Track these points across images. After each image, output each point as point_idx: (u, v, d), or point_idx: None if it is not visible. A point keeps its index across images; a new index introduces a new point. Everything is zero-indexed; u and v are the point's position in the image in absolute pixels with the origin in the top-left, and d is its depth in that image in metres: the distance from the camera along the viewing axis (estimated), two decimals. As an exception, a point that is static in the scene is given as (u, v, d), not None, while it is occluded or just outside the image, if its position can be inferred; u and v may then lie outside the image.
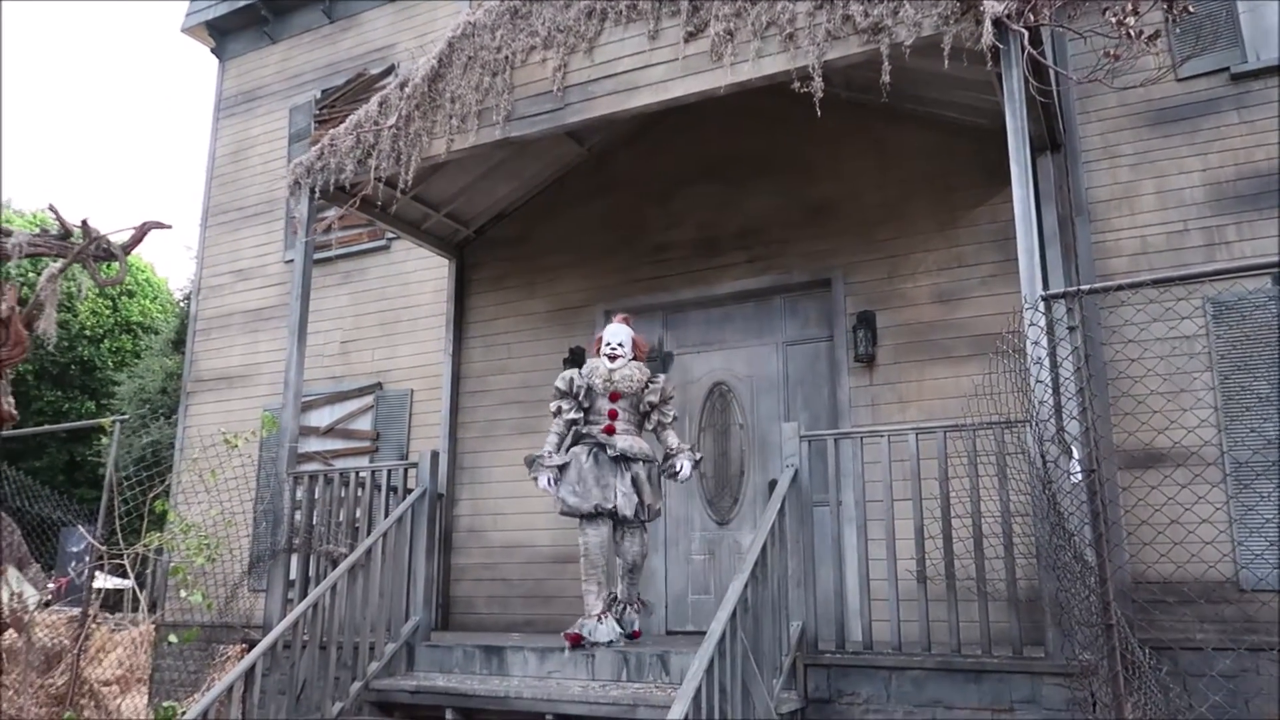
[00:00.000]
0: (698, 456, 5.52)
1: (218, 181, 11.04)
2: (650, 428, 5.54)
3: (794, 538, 4.74)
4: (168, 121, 60.26)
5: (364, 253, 9.58)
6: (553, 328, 7.42)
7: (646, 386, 5.48)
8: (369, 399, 9.21)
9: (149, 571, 9.86)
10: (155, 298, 24.16)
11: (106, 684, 8.58)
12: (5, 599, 6.44)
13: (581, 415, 5.49)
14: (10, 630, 7.44)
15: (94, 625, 8.97)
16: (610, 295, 7.29)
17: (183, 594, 5.54)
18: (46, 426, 10.08)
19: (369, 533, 5.98)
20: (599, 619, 5.18)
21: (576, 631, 5.18)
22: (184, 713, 5.49)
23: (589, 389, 5.47)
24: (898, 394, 6.09)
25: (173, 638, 5.76)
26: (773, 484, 6.21)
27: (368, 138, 6.32)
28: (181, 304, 19.66)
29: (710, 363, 6.83)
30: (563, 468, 5.42)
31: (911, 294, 6.26)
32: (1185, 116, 6.44)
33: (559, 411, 5.53)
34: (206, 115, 11.81)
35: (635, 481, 5.30)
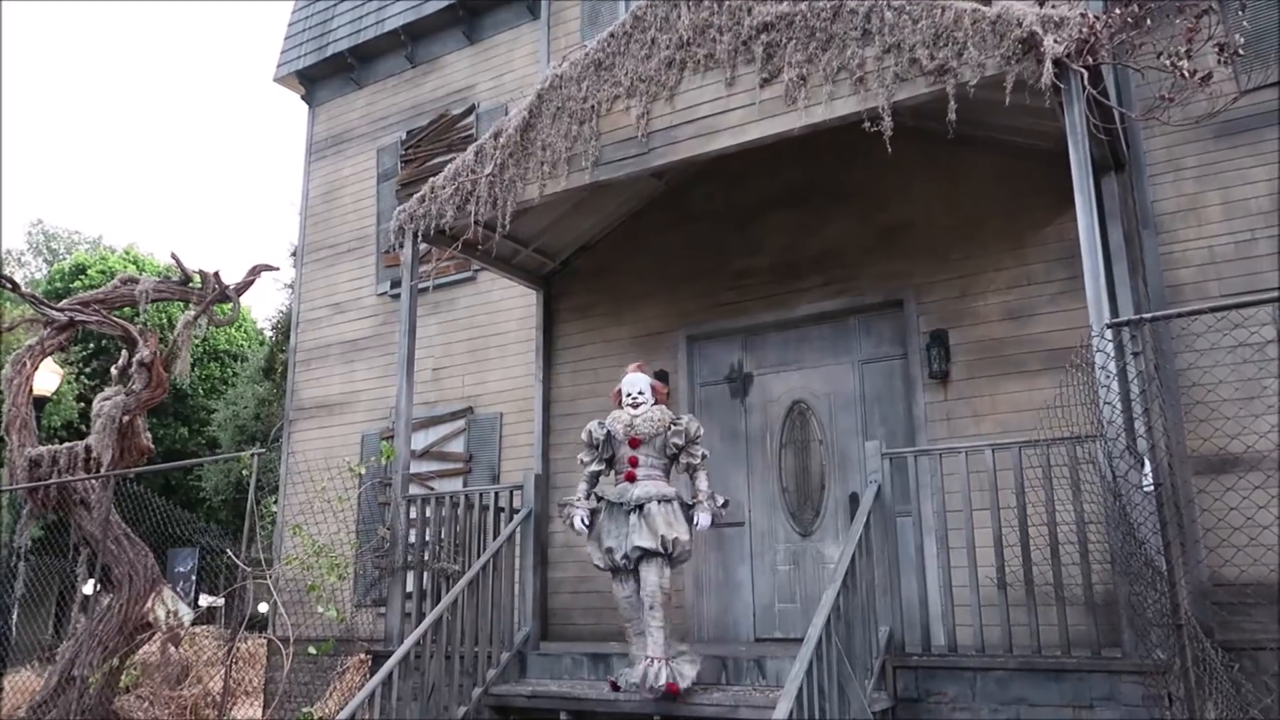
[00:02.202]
0: (720, 503, 5.48)
1: (311, 220, 11.75)
2: (681, 471, 5.61)
3: (879, 548, 5.09)
4: (258, 165, 62.89)
5: (452, 284, 10.16)
6: (637, 352, 7.84)
7: (670, 428, 5.48)
8: (461, 423, 9.77)
9: (255, 589, 10.53)
10: (240, 326, 25.27)
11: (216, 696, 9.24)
12: (163, 616, 7.09)
13: (604, 466, 5.60)
14: (150, 645, 8.13)
15: (207, 640, 9.66)
16: (691, 320, 7.70)
17: (320, 609, 6.08)
18: (189, 461, 10.81)
19: (478, 551, 6.48)
20: (633, 667, 5.27)
21: (613, 678, 5.39)
22: (318, 717, 6.04)
23: (609, 437, 5.56)
24: (972, 408, 6.38)
25: (312, 649, 6.30)
26: (853, 497, 6.57)
27: (466, 185, 6.84)
28: (270, 334, 20.62)
29: (789, 382, 7.20)
30: (594, 513, 5.54)
31: (983, 312, 6.54)
32: (1250, 128, 6.63)
33: (583, 464, 5.68)
34: (296, 158, 12.56)
35: (648, 516, 5.28)
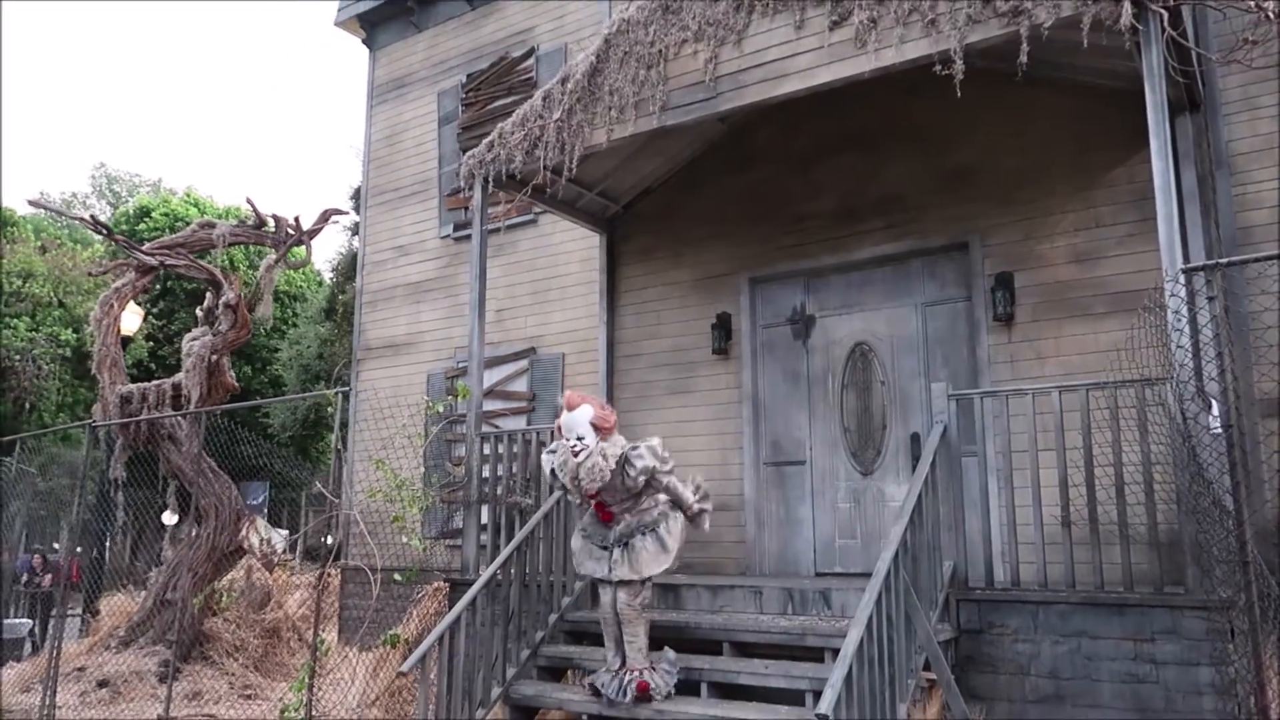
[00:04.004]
0: (702, 494, 5.31)
1: (374, 165, 11.94)
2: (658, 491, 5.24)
3: (944, 487, 5.23)
4: (319, 109, 63.53)
5: (514, 227, 10.32)
6: (700, 295, 7.98)
7: (624, 472, 5.03)
8: (524, 363, 10.01)
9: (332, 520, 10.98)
10: (295, 266, 25.78)
11: (300, 620, 9.76)
12: (257, 544, 7.51)
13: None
14: (235, 571, 8.61)
15: (292, 568, 10.15)
16: (752, 263, 7.80)
17: (403, 539, 6.40)
18: (273, 399, 11.24)
19: (551, 486, 6.74)
20: (614, 673, 5.16)
21: (592, 681, 5.29)
22: (404, 638, 6.41)
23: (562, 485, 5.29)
24: (1036, 351, 6.44)
25: (397, 576, 6.66)
26: (914, 437, 6.70)
27: (534, 130, 6.96)
28: (330, 276, 21.05)
29: (851, 324, 7.29)
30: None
31: (1049, 255, 6.56)
32: (1328, 65, 6.47)
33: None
34: (358, 102, 12.73)
35: (632, 551, 5.11)
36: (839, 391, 7.22)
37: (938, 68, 5.37)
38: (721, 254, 7.98)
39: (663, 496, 5.21)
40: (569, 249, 9.92)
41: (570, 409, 5.08)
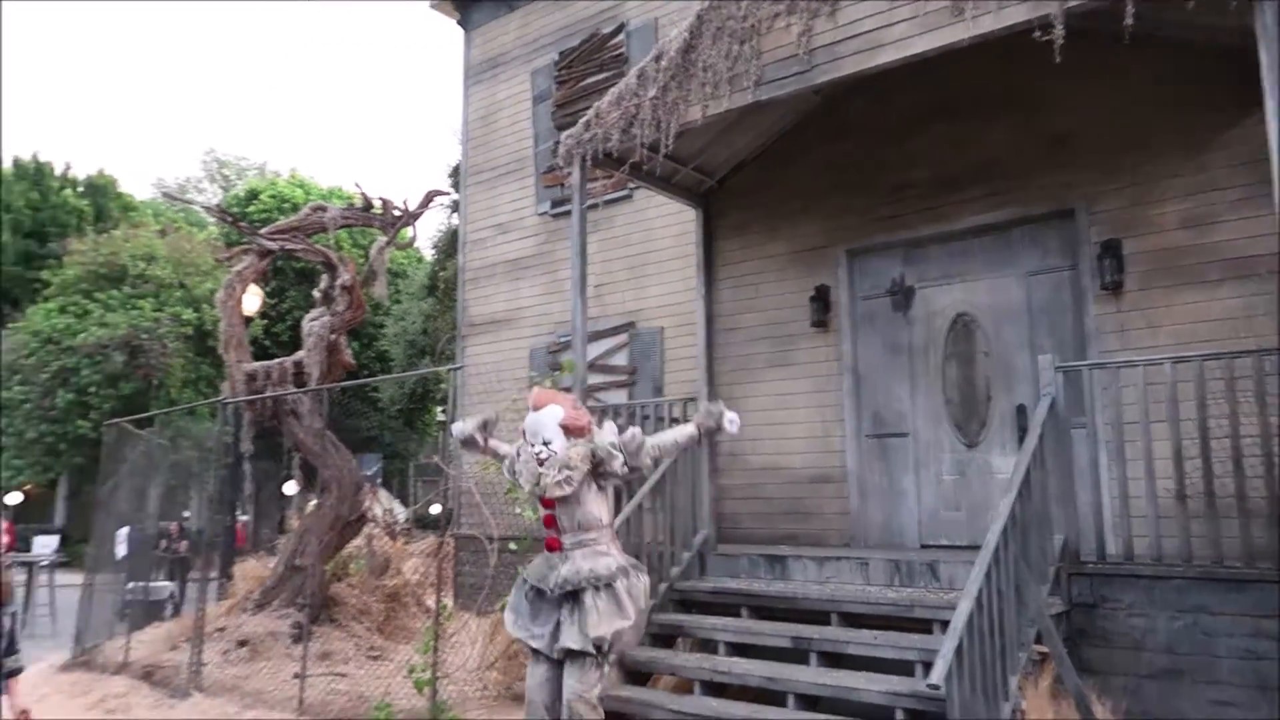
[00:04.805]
0: (717, 417, 4.56)
1: (472, 144, 12.24)
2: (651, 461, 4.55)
3: (1052, 459, 5.22)
4: (415, 89, 65.16)
5: (609, 203, 10.48)
6: (796, 268, 8.03)
7: (596, 464, 4.32)
8: (623, 337, 10.22)
9: (443, 491, 11.44)
10: (401, 246, 26.60)
11: (415, 587, 10.24)
12: (379, 514, 7.95)
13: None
14: (363, 540, 9.10)
15: (406, 537, 10.63)
16: (849, 235, 7.79)
17: (517, 510, 6.70)
18: (387, 376, 11.76)
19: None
20: None
21: None
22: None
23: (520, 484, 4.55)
24: (1147, 319, 6.31)
25: (512, 545, 6.97)
26: (1020, 409, 6.66)
27: (630, 109, 7.07)
28: (431, 253, 21.65)
29: (952, 295, 7.25)
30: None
31: (1159, 220, 6.39)
32: None
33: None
34: (452, 82, 13.02)
35: (582, 610, 4.22)
36: (941, 363, 7.20)
37: (1037, 33, 5.27)
38: (818, 227, 7.99)
39: (616, 549, 4.45)
40: (664, 224, 10.05)
41: (536, 409, 4.36)
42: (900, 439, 7.22)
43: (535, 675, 4.37)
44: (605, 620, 4.18)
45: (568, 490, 4.27)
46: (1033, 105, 6.95)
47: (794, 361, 7.88)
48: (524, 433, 4.45)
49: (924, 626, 5.13)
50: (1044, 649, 4.69)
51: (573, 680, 4.18)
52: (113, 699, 8.28)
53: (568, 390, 6.30)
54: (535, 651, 4.36)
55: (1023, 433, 6.03)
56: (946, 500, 6.97)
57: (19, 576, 15.41)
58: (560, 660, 4.27)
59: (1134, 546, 5.14)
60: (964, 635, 4.02)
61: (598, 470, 4.35)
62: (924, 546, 6.94)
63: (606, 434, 4.41)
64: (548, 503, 4.37)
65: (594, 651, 4.18)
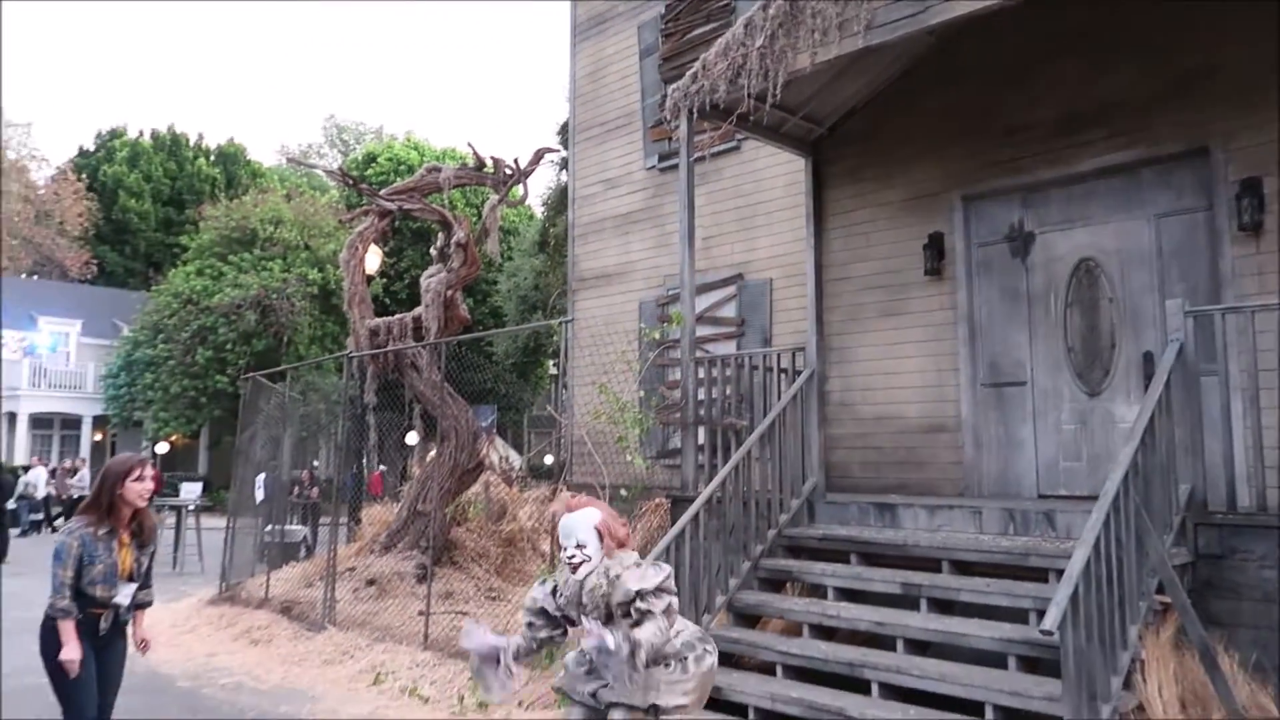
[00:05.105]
0: (610, 644, 3.58)
1: (580, 101, 12.34)
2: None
3: (1180, 407, 5.03)
4: (521, 47, 65.92)
5: (718, 155, 10.44)
6: (910, 215, 7.85)
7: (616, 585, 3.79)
8: (731, 289, 10.23)
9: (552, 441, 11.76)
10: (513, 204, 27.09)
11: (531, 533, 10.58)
12: (497, 461, 8.27)
13: (559, 632, 4.07)
14: (481, 486, 9.47)
15: (520, 486, 10.98)
16: (964, 180, 7.56)
17: (628, 458, 6.87)
18: (501, 330, 12.13)
19: (762, 408, 6.98)
20: None
21: None
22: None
23: (564, 616, 4.02)
24: (1289, 261, 5.95)
25: (623, 492, 7.16)
26: (1147, 356, 6.40)
27: (736, 59, 7.01)
28: (541, 210, 21.99)
29: (1074, 240, 6.98)
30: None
31: (1305, 156, 5.99)
32: None
33: (530, 626, 4.06)
34: (559, 41, 13.10)
35: (649, 674, 3.77)
36: (1062, 310, 6.96)
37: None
38: (931, 172, 7.78)
39: (684, 626, 3.99)
40: (773, 174, 9.96)
41: (570, 511, 3.97)
42: (1018, 388, 7.05)
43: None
44: (669, 692, 3.81)
45: (598, 602, 3.81)
46: (1160, 41, 6.57)
47: (907, 310, 7.75)
48: (553, 535, 4.00)
49: (1039, 575, 5.05)
50: (1166, 600, 4.56)
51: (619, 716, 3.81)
52: (256, 630, 8.91)
53: (675, 343, 6.34)
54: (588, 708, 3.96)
55: (1149, 381, 5.81)
56: (1066, 450, 6.78)
57: (169, 519, 16.64)
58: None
59: (1268, 498, 4.92)
60: (1080, 582, 3.96)
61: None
62: (1041, 496, 6.78)
63: (629, 576, 3.81)
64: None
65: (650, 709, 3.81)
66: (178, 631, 9.25)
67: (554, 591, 4.01)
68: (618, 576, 3.78)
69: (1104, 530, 4.19)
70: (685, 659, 3.87)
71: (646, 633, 3.64)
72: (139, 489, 4.43)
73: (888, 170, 8.07)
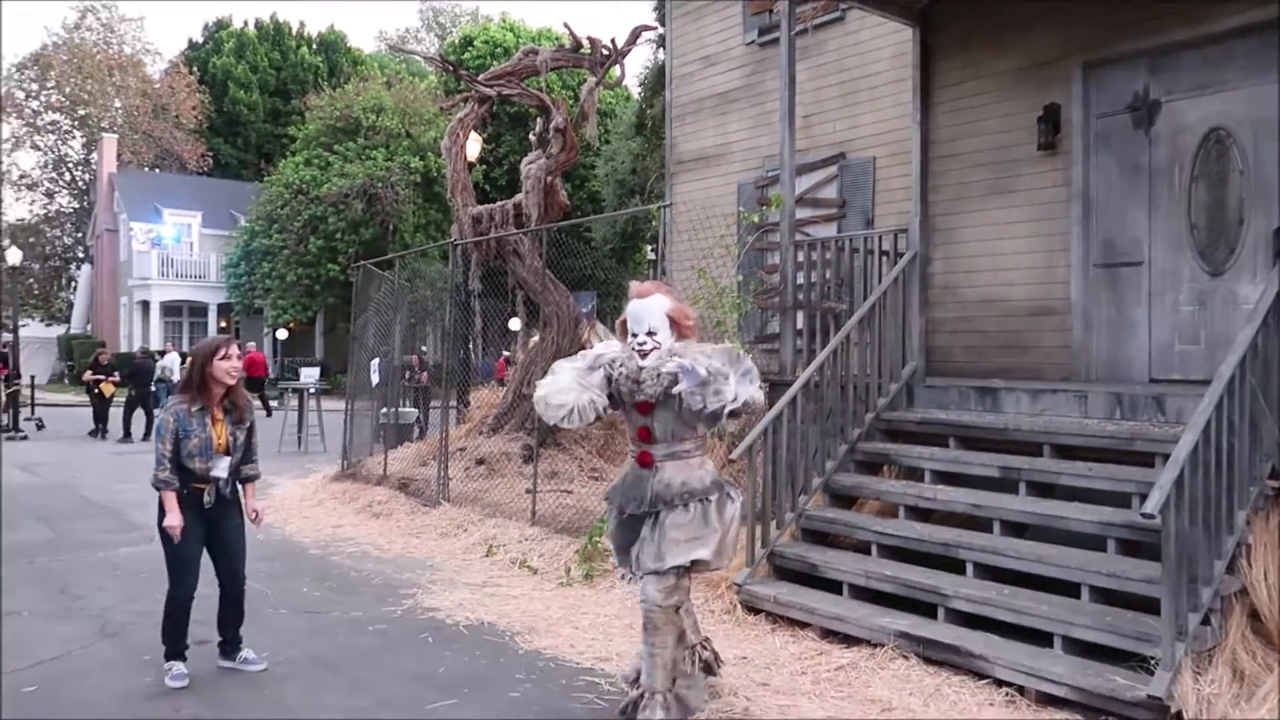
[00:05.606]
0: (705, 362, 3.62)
1: (677, -27, 11.92)
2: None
3: (1309, 287, 4.75)
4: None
5: (820, 27, 10.01)
6: (1024, 85, 7.43)
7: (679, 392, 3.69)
8: (833, 169, 9.95)
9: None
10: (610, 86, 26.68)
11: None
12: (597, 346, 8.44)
13: (607, 402, 3.92)
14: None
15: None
16: (1086, 45, 7.08)
17: (726, 343, 6.90)
18: (600, 215, 12.19)
19: (862, 292, 6.89)
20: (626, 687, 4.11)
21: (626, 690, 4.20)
22: (731, 433, 7.03)
23: (617, 393, 3.90)
24: None
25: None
26: (1277, 233, 6.03)
27: (841, -79, 6.65)
28: (639, 91, 21.60)
29: (1204, 108, 6.51)
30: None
31: None
32: None
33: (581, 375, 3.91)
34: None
35: (662, 530, 3.83)
36: (1186, 184, 6.57)
37: None
38: (1049, 38, 7.31)
39: (710, 463, 4.00)
40: (878, 45, 9.51)
41: (641, 297, 3.86)
42: (1133, 268, 6.75)
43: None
44: (685, 547, 3.78)
45: (658, 393, 3.74)
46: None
47: (1016, 188, 7.43)
48: (621, 326, 3.95)
49: (1145, 460, 4.95)
50: (1278, 484, 4.43)
51: (651, 588, 3.82)
52: (377, 504, 9.51)
53: (774, 226, 6.26)
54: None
55: (1277, 259, 5.48)
56: (1183, 332, 6.51)
57: (292, 402, 17.62)
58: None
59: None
60: (1185, 466, 3.88)
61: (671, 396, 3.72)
62: (1153, 381, 6.57)
63: (700, 364, 3.65)
64: (643, 407, 3.83)
65: (668, 567, 3.81)
66: (307, 505, 9.95)
67: (608, 378, 3.87)
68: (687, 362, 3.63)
69: (1215, 414, 4.07)
70: (708, 502, 3.80)
71: (746, 390, 3.63)
72: (226, 366, 4.56)
73: (1001, 38, 7.62)
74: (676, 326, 3.81)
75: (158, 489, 4.55)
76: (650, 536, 3.82)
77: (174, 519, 4.50)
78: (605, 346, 4.02)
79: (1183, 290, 6.53)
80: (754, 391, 3.69)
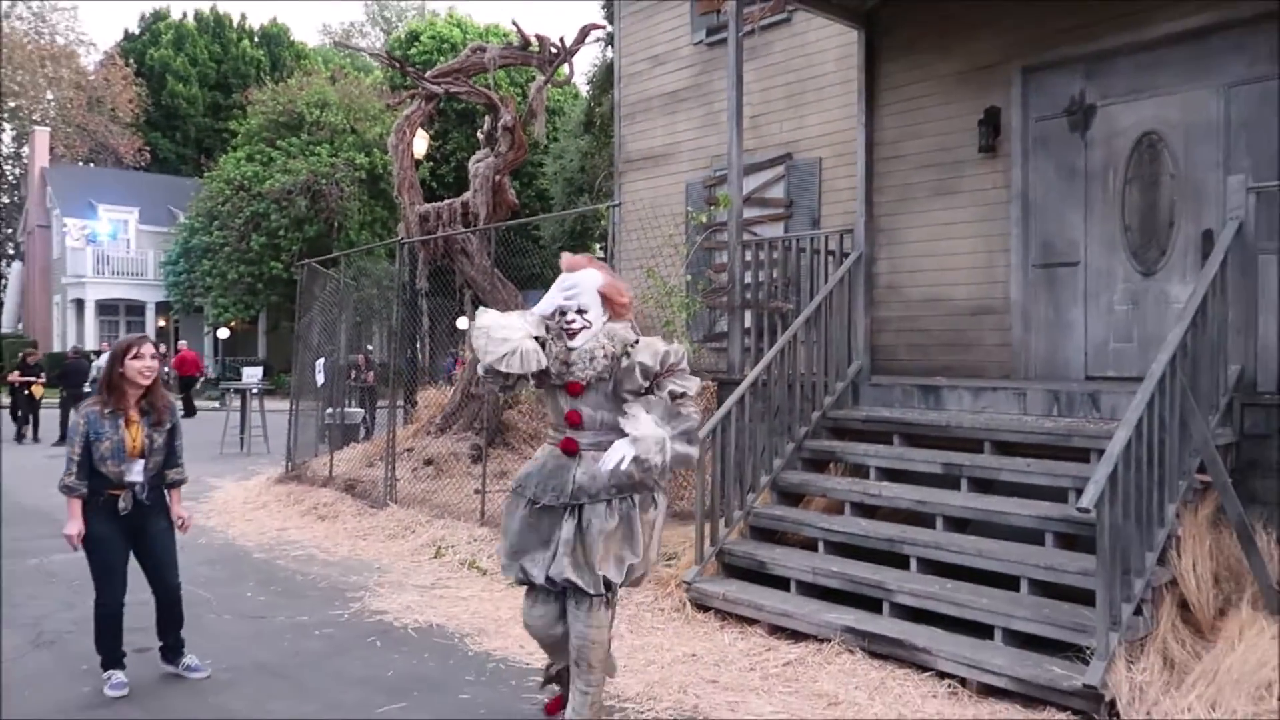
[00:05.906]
0: (658, 452, 3.39)
1: (625, -28, 11.92)
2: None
3: (1236, 287, 4.93)
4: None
5: (767, 28, 10.09)
6: (966, 88, 7.58)
7: (624, 364, 3.50)
8: (780, 169, 10.05)
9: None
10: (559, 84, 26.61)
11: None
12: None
13: (537, 373, 3.54)
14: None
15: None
16: (1025, 50, 7.25)
17: (675, 344, 6.94)
18: (549, 214, 12.15)
19: (809, 291, 6.98)
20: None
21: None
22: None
23: (544, 371, 3.55)
24: (1366, 133, 5.68)
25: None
26: (1206, 234, 6.23)
27: (787, -76, 6.72)
28: (587, 89, 21.56)
29: (1138, 112, 6.71)
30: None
31: (1393, 17, 5.64)
32: None
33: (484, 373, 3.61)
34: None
35: (588, 533, 3.50)
36: (1120, 187, 6.76)
37: None
38: (991, 42, 7.47)
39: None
40: (824, 47, 9.63)
41: (571, 270, 3.59)
42: (1070, 268, 6.93)
43: (534, 614, 3.68)
44: (613, 558, 3.51)
45: (590, 375, 3.48)
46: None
47: (959, 190, 7.58)
48: (550, 304, 3.60)
49: (1081, 455, 5.09)
50: (1207, 479, 4.59)
51: (580, 623, 3.53)
52: (323, 506, 9.38)
53: (722, 226, 6.32)
54: (530, 587, 3.65)
55: (1206, 260, 5.67)
56: (1117, 331, 6.70)
57: (234, 402, 17.28)
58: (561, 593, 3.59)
59: (1321, 379, 4.86)
60: (1119, 462, 4.00)
61: (622, 373, 3.51)
62: (1089, 379, 6.75)
63: (643, 350, 3.53)
64: (573, 388, 3.52)
65: (602, 592, 3.51)
66: (250, 508, 9.77)
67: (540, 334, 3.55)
68: (627, 347, 3.48)
69: (1147, 411, 4.20)
70: (632, 502, 3.52)
71: (693, 421, 3.44)
72: (138, 366, 4.39)
73: (945, 42, 7.76)
74: (610, 304, 3.54)
75: (64, 494, 4.39)
76: (572, 539, 3.47)
77: (73, 527, 4.34)
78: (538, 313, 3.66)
79: (1117, 290, 6.73)
80: (687, 450, 3.48)
